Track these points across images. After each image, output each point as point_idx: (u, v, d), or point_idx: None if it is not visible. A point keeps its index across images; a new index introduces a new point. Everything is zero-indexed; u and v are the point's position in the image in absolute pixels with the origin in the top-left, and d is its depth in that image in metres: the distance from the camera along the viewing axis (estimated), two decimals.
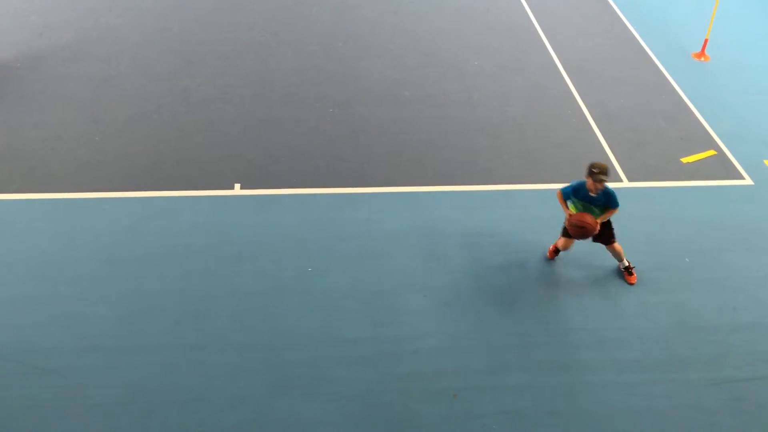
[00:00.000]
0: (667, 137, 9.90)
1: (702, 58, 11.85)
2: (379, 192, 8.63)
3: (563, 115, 10.26)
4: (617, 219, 8.44)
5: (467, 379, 6.57)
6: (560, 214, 8.47)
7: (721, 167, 9.39)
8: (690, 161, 9.48)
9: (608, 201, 7.22)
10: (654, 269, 7.81)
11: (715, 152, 9.65)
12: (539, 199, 8.67)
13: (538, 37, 12.14)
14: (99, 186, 8.41)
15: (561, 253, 7.87)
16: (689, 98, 10.78)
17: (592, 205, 7.23)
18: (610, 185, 8.84)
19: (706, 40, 11.83)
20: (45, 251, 7.53)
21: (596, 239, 7.47)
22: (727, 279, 7.76)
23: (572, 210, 7.36)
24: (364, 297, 7.29)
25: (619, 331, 7.10)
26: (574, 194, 7.25)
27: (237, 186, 8.56)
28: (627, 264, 7.71)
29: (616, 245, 7.56)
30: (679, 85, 11.10)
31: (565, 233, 7.50)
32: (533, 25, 12.51)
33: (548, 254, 7.93)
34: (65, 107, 9.67)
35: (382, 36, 11.89)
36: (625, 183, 9.02)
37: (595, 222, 7.15)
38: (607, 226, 7.44)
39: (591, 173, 6.96)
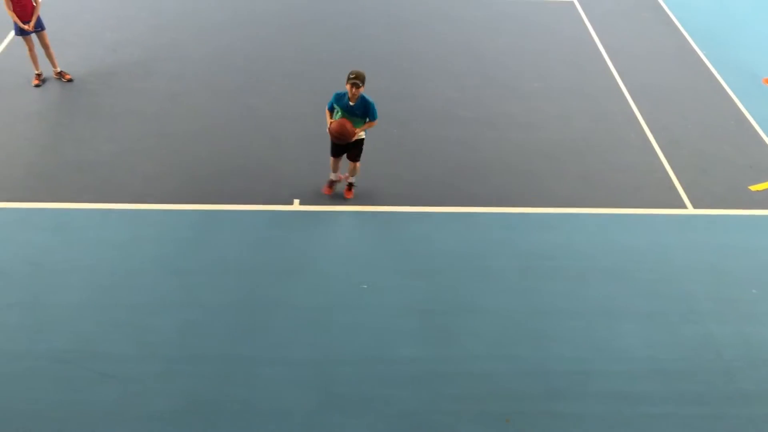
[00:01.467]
0: (735, 164, 9.61)
1: None
2: (435, 211, 8.62)
3: (626, 138, 10.08)
4: (680, 246, 8.24)
5: (521, 404, 6.47)
6: (618, 240, 8.32)
7: None
8: (759, 189, 9.16)
9: (367, 110, 7.96)
10: (719, 300, 7.56)
11: None
12: (599, 224, 8.51)
13: (601, 59, 11.99)
14: (164, 198, 8.65)
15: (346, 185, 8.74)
16: (759, 125, 10.44)
17: (353, 115, 7.96)
18: (676, 212, 8.72)
19: None
20: (110, 260, 7.77)
21: (348, 153, 8.40)
22: None
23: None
24: (417, 316, 7.27)
25: (681, 362, 6.88)
26: (337, 102, 7.99)
27: (296, 202, 8.68)
28: (353, 181, 8.68)
29: (358, 165, 8.53)
30: (748, 110, 10.77)
31: (332, 152, 8.44)
32: (597, 47, 12.36)
33: (324, 190, 8.71)
34: (135, 121, 10.01)
35: (442, 56, 11.93)
36: (690, 210, 8.78)
37: (353, 128, 7.95)
38: (359, 145, 8.30)
39: (347, 78, 7.68)
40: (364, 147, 8.42)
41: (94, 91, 10.62)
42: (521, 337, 7.08)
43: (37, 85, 10.64)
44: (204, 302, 7.34)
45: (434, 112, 10.48)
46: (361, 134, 8.21)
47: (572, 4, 13.73)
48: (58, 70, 10.79)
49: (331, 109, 8.14)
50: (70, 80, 10.79)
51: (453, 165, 9.41)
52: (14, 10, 10.00)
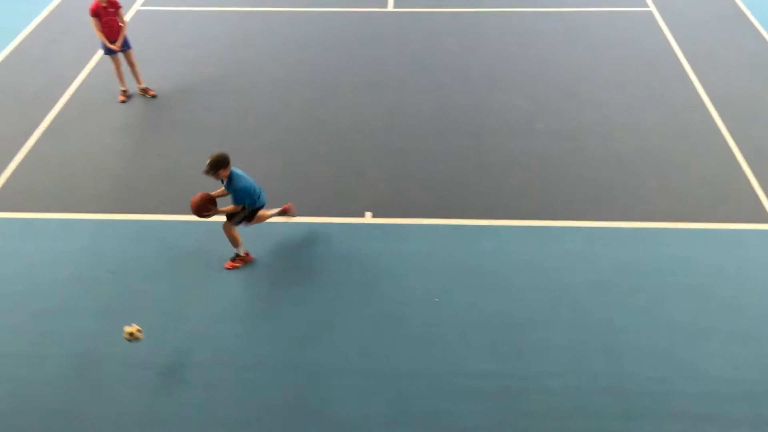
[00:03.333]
0: None
1: None
2: (507, 225, 8.51)
3: (708, 150, 9.72)
4: (766, 261, 7.88)
5: (596, 422, 6.29)
6: (700, 256, 8.01)
7: None
8: None
9: (233, 194, 7.49)
10: None
11: None
12: (679, 238, 8.22)
13: (681, 69, 11.62)
14: None
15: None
16: None
17: (229, 192, 7.54)
18: (761, 226, 8.35)
19: None
20: (187, 269, 8.00)
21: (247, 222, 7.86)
22: None
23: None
24: (489, 330, 7.18)
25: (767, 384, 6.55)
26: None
27: (368, 214, 8.73)
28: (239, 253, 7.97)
29: (225, 229, 7.74)
30: None
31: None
32: (676, 56, 11.99)
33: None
34: (211, 135, 10.30)
35: (516, 68, 11.81)
36: None
37: (212, 207, 7.45)
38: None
39: None
40: (235, 220, 7.79)
41: (173, 107, 11.00)
42: (597, 354, 6.89)
43: (122, 101, 11.10)
44: (277, 312, 7.45)
45: (509, 125, 10.37)
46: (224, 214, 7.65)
47: (650, 13, 13.38)
48: (143, 86, 11.23)
49: None
50: (153, 96, 11.21)
51: (527, 178, 9.28)
52: (102, 31, 10.49)
